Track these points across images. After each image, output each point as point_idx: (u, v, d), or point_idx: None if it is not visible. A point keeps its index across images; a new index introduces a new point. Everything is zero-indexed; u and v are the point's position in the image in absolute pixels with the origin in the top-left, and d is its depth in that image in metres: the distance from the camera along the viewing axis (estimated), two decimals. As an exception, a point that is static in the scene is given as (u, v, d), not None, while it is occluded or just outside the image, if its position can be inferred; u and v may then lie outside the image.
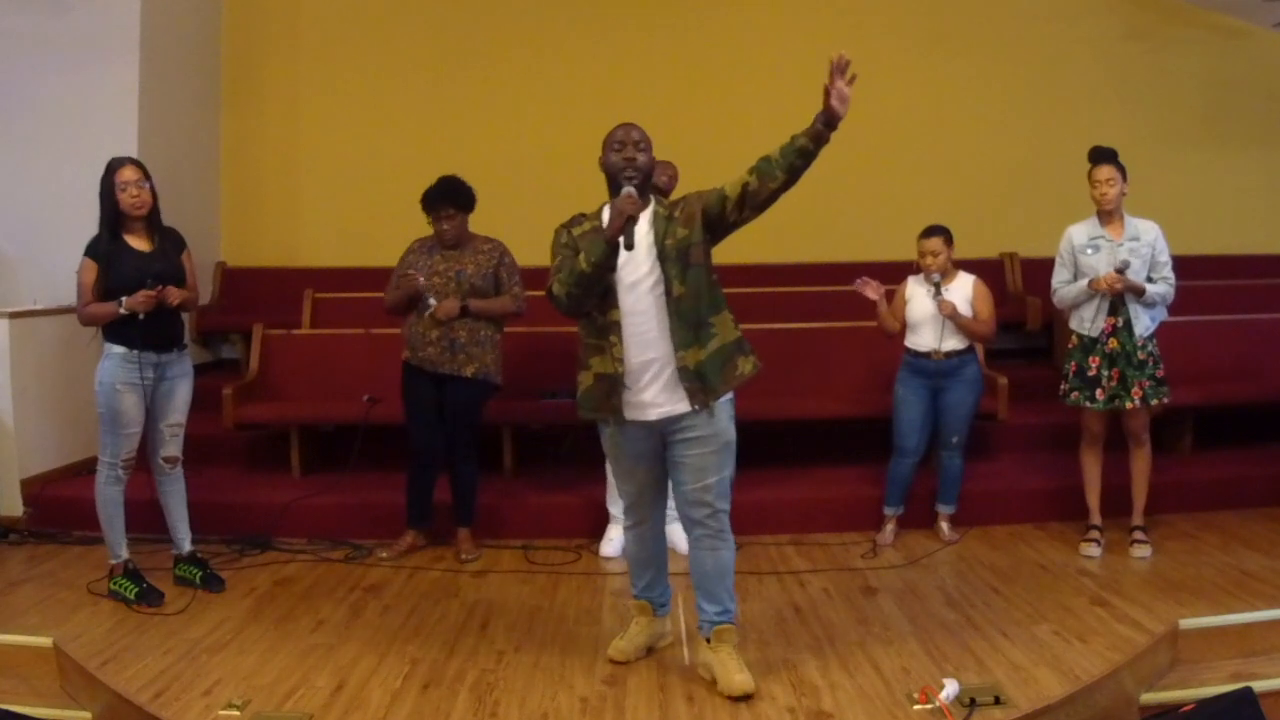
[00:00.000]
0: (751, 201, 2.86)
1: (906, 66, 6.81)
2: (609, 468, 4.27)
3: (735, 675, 2.94)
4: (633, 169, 2.92)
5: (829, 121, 2.73)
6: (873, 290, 4.31)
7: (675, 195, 3.60)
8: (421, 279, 4.13)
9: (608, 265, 2.86)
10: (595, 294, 2.92)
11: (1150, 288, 3.97)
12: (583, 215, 3.07)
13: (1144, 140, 6.21)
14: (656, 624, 3.25)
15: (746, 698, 2.90)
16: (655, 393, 2.94)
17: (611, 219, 2.85)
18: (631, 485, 3.14)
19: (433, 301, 4.10)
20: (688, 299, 2.91)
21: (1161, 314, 4.12)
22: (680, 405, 2.94)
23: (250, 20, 6.92)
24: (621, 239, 2.80)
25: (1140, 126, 6.57)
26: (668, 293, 2.90)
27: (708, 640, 3.06)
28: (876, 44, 6.64)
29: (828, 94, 2.71)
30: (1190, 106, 6.93)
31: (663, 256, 2.90)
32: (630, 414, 2.97)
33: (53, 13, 5.57)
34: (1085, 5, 6.97)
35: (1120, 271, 3.92)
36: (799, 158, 2.78)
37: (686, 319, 2.91)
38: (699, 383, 2.92)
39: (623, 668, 3.15)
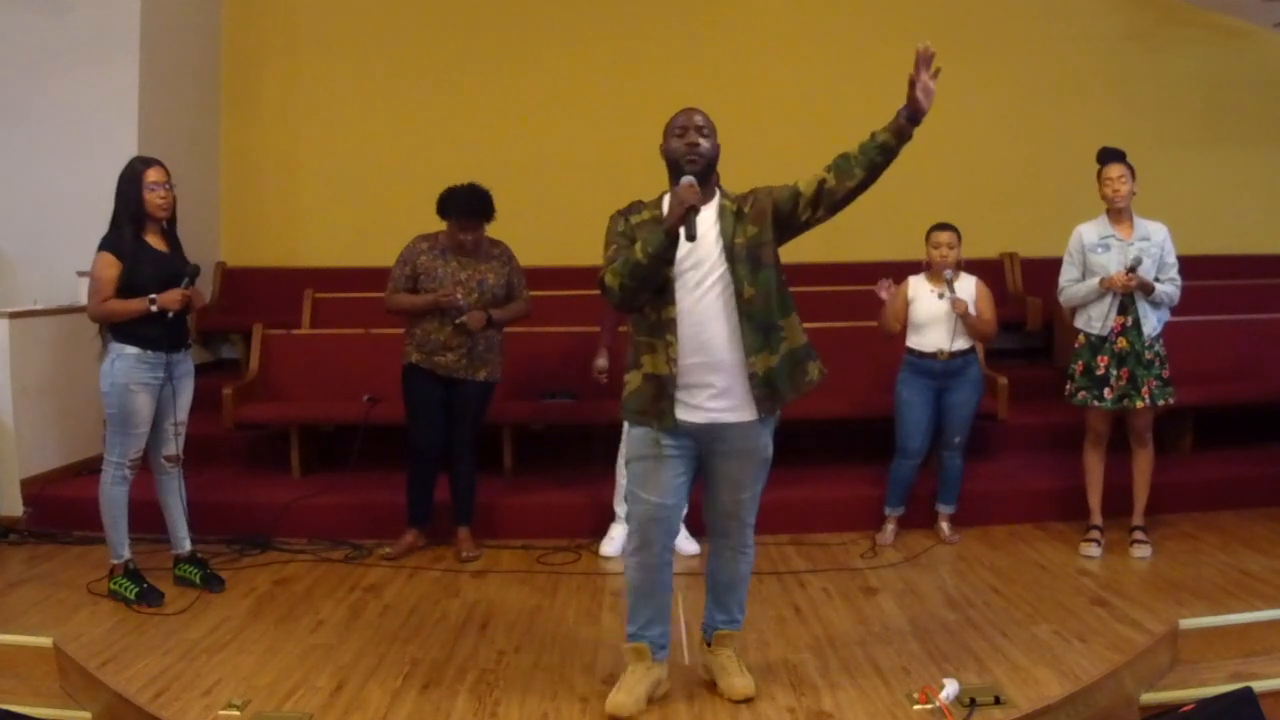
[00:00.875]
0: (828, 200, 2.71)
1: (906, 67, 6.80)
2: (620, 470, 4.28)
3: (736, 679, 2.92)
4: (695, 154, 2.74)
5: (913, 116, 2.62)
6: (886, 292, 4.31)
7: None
8: (461, 297, 4.08)
9: (665, 257, 2.67)
10: (651, 288, 2.72)
11: (1159, 287, 3.97)
12: (640, 202, 2.90)
13: (1144, 140, 6.19)
14: (655, 669, 2.94)
15: (747, 701, 2.89)
16: (707, 396, 2.76)
17: (672, 208, 2.66)
18: (654, 496, 2.83)
19: (462, 320, 4.07)
20: (759, 301, 2.74)
21: (1166, 314, 4.12)
22: (730, 415, 2.77)
23: (250, 21, 6.92)
24: (682, 229, 2.61)
25: (1140, 126, 6.57)
26: (738, 294, 2.73)
27: (708, 643, 3.04)
28: (876, 44, 6.64)
29: (913, 86, 2.60)
30: (1190, 106, 6.93)
31: (732, 256, 2.73)
32: (680, 413, 2.77)
33: (53, 13, 5.58)
34: (1085, 5, 6.98)
35: (1132, 270, 3.92)
36: (880, 154, 2.65)
37: (757, 322, 2.75)
38: (768, 389, 2.77)
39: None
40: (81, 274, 3.72)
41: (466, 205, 4.08)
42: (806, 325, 5.18)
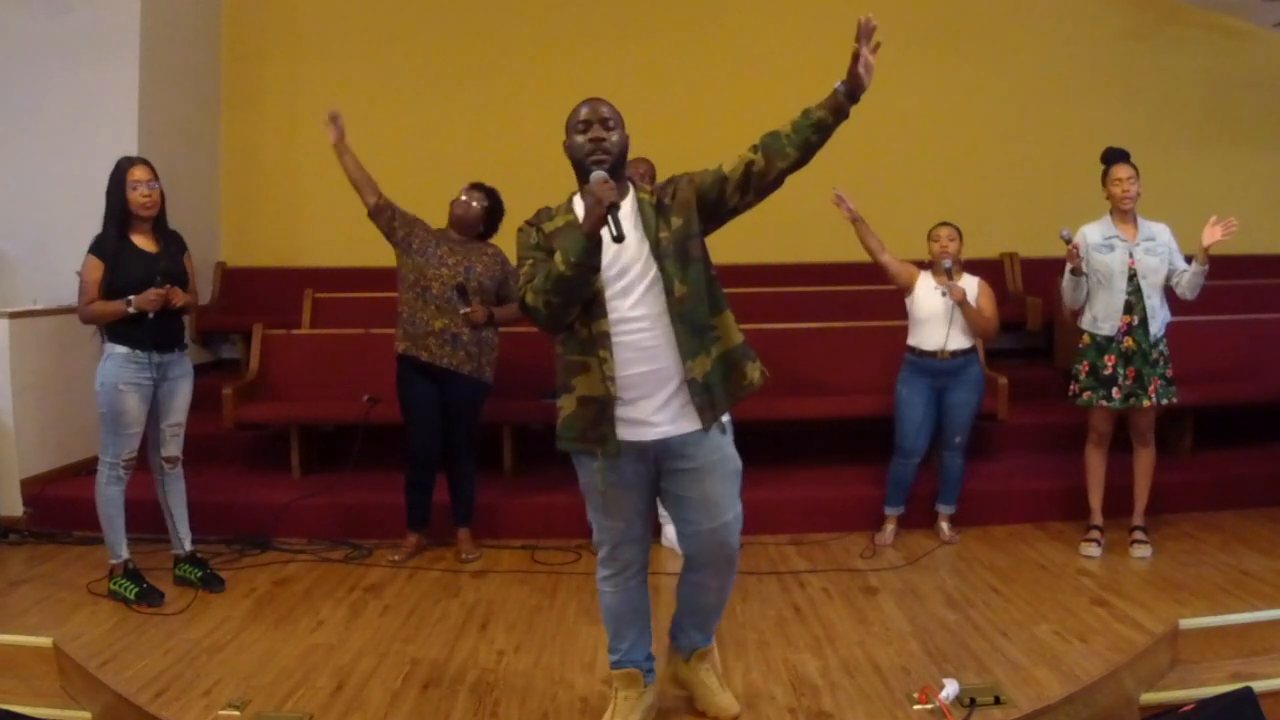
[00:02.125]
0: (757, 183, 2.48)
1: (906, 67, 6.80)
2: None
3: (718, 697, 2.82)
4: (601, 151, 2.51)
5: (852, 93, 2.41)
6: (844, 208, 4.18)
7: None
8: (469, 288, 4.09)
9: (591, 265, 2.39)
10: (579, 301, 2.46)
11: (1188, 275, 3.97)
12: (548, 209, 2.64)
13: (1144, 140, 6.19)
14: (647, 695, 2.77)
15: (735, 719, 2.81)
16: (654, 409, 2.51)
17: (588, 208, 2.37)
18: (617, 522, 2.63)
19: (466, 310, 4.07)
20: (690, 299, 2.50)
21: (1169, 314, 4.13)
22: (683, 425, 2.52)
23: (250, 20, 6.92)
24: (606, 231, 2.34)
25: (1140, 126, 6.57)
26: (668, 293, 2.48)
27: (685, 660, 2.88)
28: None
29: (855, 60, 2.40)
30: (1190, 106, 6.94)
31: (659, 252, 2.48)
32: (623, 433, 2.52)
33: (53, 13, 5.58)
34: (1085, 5, 6.98)
35: (1066, 240, 3.97)
36: (815, 132, 2.43)
37: (689, 322, 2.49)
38: (707, 396, 2.51)
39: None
40: (79, 274, 3.73)
41: (475, 183, 4.33)
42: (807, 325, 5.17)
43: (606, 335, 2.48)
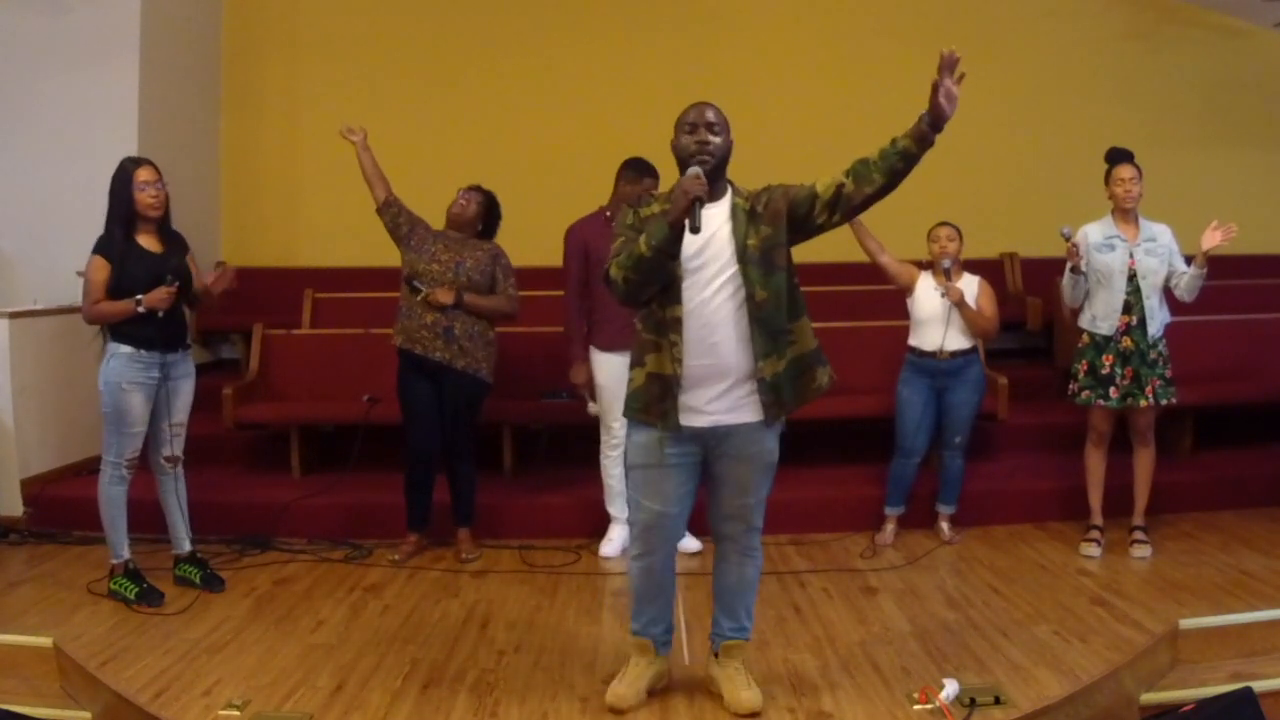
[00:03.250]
0: (844, 205, 2.65)
1: (906, 67, 6.78)
2: (606, 472, 4.29)
3: (743, 692, 2.84)
4: (705, 153, 2.65)
5: (935, 123, 2.55)
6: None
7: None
8: (423, 279, 4.14)
9: (670, 251, 2.57)
10: (656, 283, 2.63)
11: (1187, 277, 3.98)
12: (653, 196, 2.84)
13: (1144, 140, 6.18)
14: (658, 663, 2.96)
15: (754, 716, 2.81)
16: (710, 399, 2.68)
17: (675, 199, 2.55)
18: (655, 503, 2.78)
19: (423, 287, 4.09)
20: (769, 304, 2.65)
21: (1168, 314, 4.13)
22: (735, 417, 2.69)
23: (250, 20, 6.91)
24: (687, 222, 2.52)
25: (1140, 126, 6.57)
26: (750, 298, 2.64)
27: (716, 654, 2.96)
28: (875, 45, 6.66)
29: (935, 91, 2.51)
30: (1190, 106, 6.93)
31: (743, 257, 2.64)
32: (683, 418, 2.69)
33: (53, 13, 5.57)
34: (1085, 5, 6.98)
35: (1066, 238, 3.98)
36: (900, 160, 2.59)
37: (766, 326, 2.66)
38: (774, 395, 2.68)
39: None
40: (81, 274, 3.73)
41: (471, 186, 4.36)
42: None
43: (679, 321, 2.65)
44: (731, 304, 2.65)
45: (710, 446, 2.75)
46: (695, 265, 2.65)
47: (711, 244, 2.65)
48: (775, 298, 2.68)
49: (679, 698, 2.95)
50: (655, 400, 2.70)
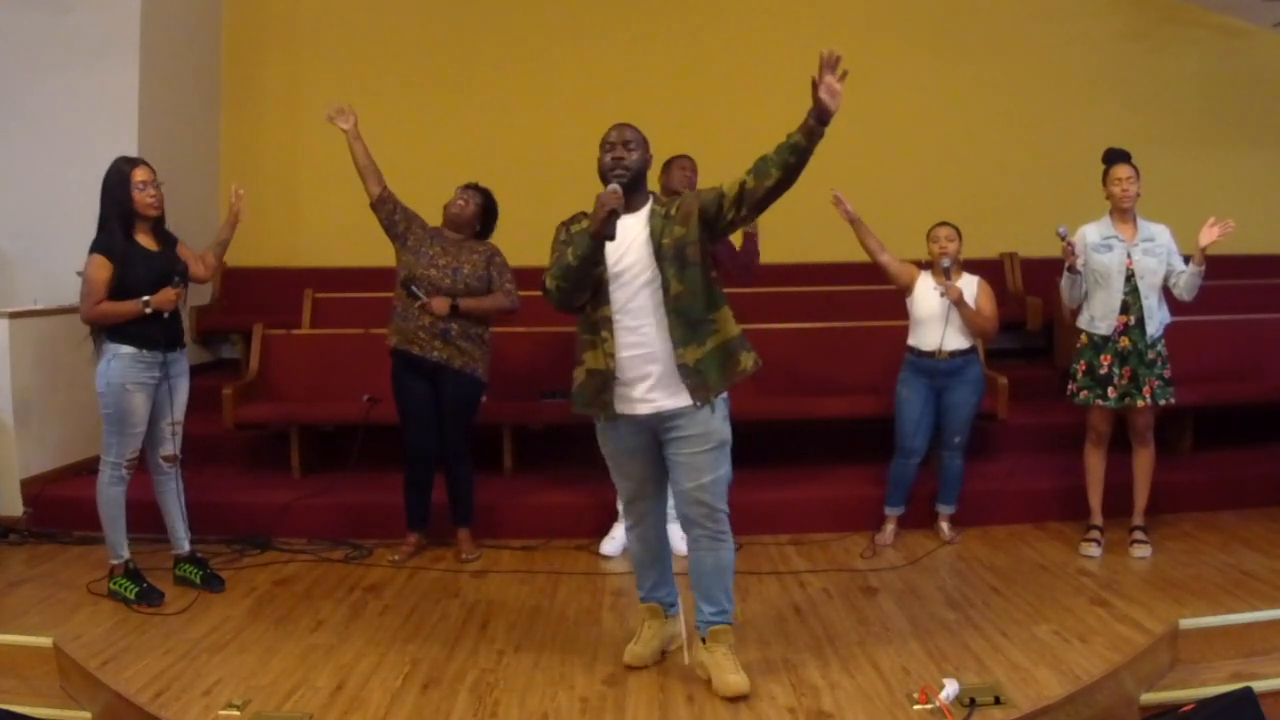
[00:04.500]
0: (749, 200, 2.86)
1: (906, 67, 6.82)
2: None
3: (729, 676, 2.94)
4: (621, 168, 2.93)
5: (820, 117, 2.72)
6: (844, 210, 4.22)
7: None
8: (419, 283, 4.13)
9: (593, 260, 2.88)
10: (585, 288, 2.93)
11: (1185, 275, 3.98)
12: (583, 213, 3.07)
13: (1143, 140, 6.20)
14: (668, 625, 3.22)
15: (741, 699, 2.89)
16: (646, 389, 2.93)
17: (595, 213, 2.85)
18: (628, 481, 3.12)
19: (420, 293, 4.08)
20: (685, 296, 2.91)
21: (1168, 314, 4.13)
22: (670, 401, 2.93)
23: (250, 20, 6.91)
24: (605, 233, 2.81)
25: (1140, 126, 6.57)
26: (665, 290, 2.90)
27: (704, 640, 3.06)
28: (876, 44, 6.65)
29: (816, 88, 2.70)
30: (1190, 106, 6.93)
31: (659, 255, 2.91)
32: (620, 408, 2.97)
33: (53, 13, 5.57)
34: (1085, 5, 6.98)
35: (1062, 238, 3.97)
36: (792, 154, 2.77)
37: (685, 316, 2.91)
38: (699, 379, 2.92)
39: (621, 668, 3.14)
40: (80, 274, 3.72)
41: (469, 184, 4.36)
42: (808, 324, 5.20)
43: (609, 319, 2.95)
44: (652, 299, 2.93)
45: (658, 432, 3.00)
46: (619, 269, 2.93)
47: (631, 248, 2.93)
48: (690, 290, 2.93)
49: (679, 698, 2.95)
50: (595, 394, 3.00)
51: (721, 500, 3.01)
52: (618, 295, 2.93)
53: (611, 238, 2.83)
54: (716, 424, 2.98)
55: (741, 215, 2.92)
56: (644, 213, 2.98)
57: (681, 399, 2.93)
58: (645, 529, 3.19)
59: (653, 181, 4.15)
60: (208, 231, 6.58)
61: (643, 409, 2.95)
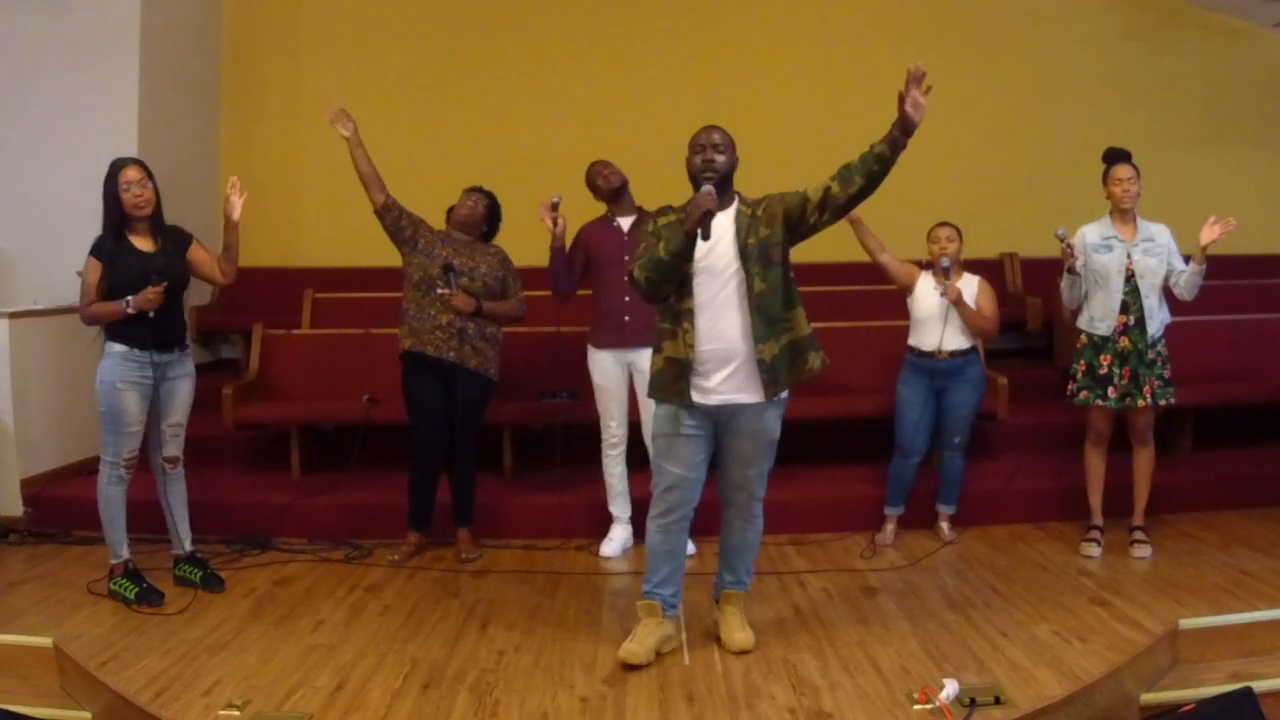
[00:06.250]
0: (832, 205, 3.01)
1: (906, 67, 6.81)
2: (606, 471, 4.31)
3: (736, 633, 3.26)
4: (711, 170, 3.06)
5: (905, 128, 2.89)
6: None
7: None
8: (455, 263, 4.14)
9: (685, 255, 3.01)
10: (672, 281, 3.06)
11: (1186, 274, 3.98)
12: (670, 207, 3.21)
13: (1143, 140, 6.20)
14: (665, 625, 3.26)
15: (744, 654, 3.21)
16: (720, 380, 3.07)
17: (690, 212, 2.98)
18: (677, 467, 3.17)
19: (445, 290, 4.08)
20: (767, 295, 3.05)
21: (1168, 315, 4.13)
22: (742, 396, 3.08)
23: (250, 20, 6.91)
24: (699, 230, 2.95)
25: (1140, 126, 6.57)
26: (749, 288, 3.04)
27: (717, 601, 3.37)
28: (875, 44, 6.65)
29: (902, 102, 2.86)
30: (1190, 106, 6.93)
31: (744, 254, 3.05)
32: (695, 397, 3.09)
33: (53, 13, 5.57)
34: (1085, 5, 6.98)
35: (1061, 239, 3.99)
36: (877, 164, 2.94)
37: (764, 314, 3.05)
38: (772, 374, 3.06)
39: (621, 668, 3.14)
40: (80, 274, 3.73)
41: (474, 187, 4.37)
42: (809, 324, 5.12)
43: (691, 312, 3.08)
44: (735, 295, 3.06)
45: (720, 423, 3.15)
46: (705, 265, 3.06)
47: (718, 245, 3.05)
48: (772, 289, 3.07)
49: (679, 698, 2.95)
50: (672, 381, 3.12)
51: (761, 489, 3.26)
52: (702, 289, 3.06)
53: (707, 237, 2.97)
54: (775, 420, 3.18)
55: (824, 219, 3.06)
56: (731, 212, 3.11)
57: (753, 394, 3.08)
58: (672, 522, 3.24)
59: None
60: (207, 231, 6.60)
61: (714, 400, 3.09)
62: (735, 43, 6.92)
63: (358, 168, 4.15)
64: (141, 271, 3.67)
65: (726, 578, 3.37)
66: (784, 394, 3.16)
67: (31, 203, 5.50)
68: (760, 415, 3.13)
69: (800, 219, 3.07)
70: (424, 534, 4.33)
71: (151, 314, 3.67)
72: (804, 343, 3.15)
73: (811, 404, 4.97)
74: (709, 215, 2.96)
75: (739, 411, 3.11)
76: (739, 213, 3.11)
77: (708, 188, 3.01)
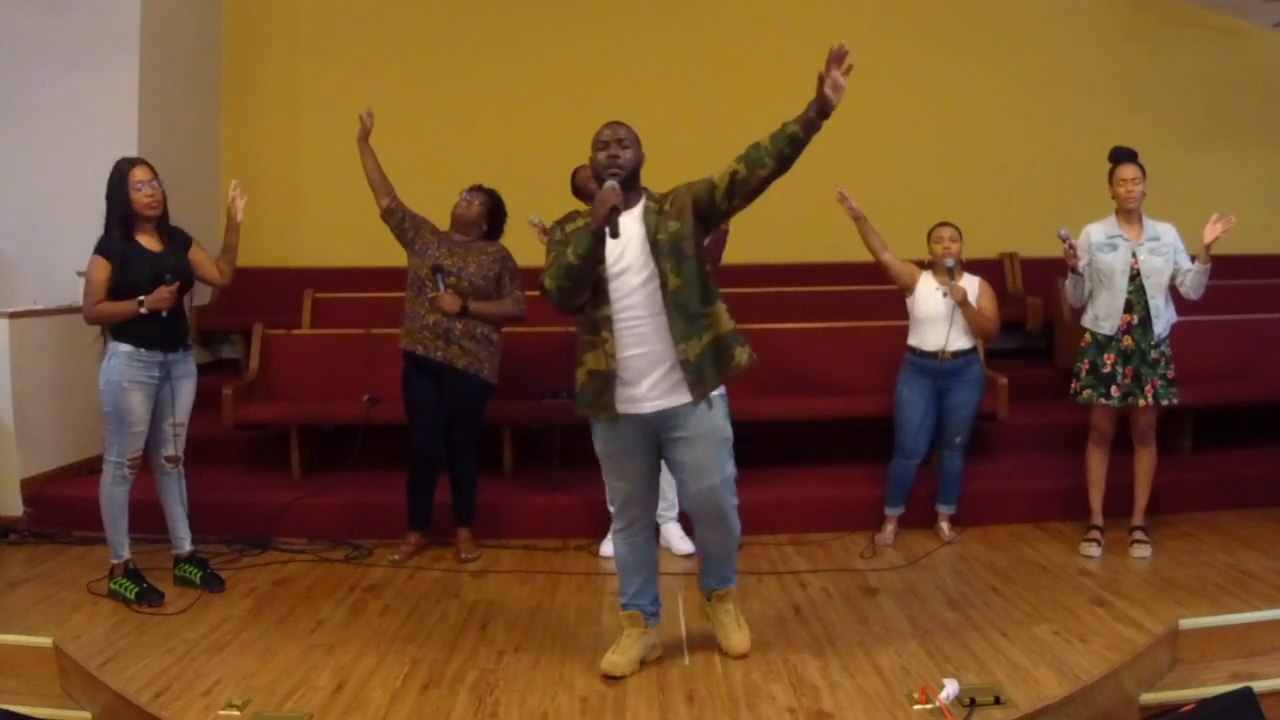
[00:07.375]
0: (741, 189, 2.86)
1: (906, 67, 6.81)
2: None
3: (733, 635, 3.22)
4: (616, 166, 2.94)
5: (821, 110, 2.73)
6: (849, 208, 4.22)
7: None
8: (445, 264, 4.15)
9: (594, 257, 2.87)
10: (585, 287, 2.92)
11: (1191, 274, 3.99)
12: (576, 212, 3.10)
13: (1144, 140, 6.17)
14: (648, 635, 3.20)
15: (743, 657, 3.16)
16: (648, 387, 2.94)
17: (594, 211, 2.85)
18: (624, 482, 3.10)
19: (440, 288, 4.09)
20: (684, 291, 2.91)
21: (1174, 315, 4.13)
22: (674, 399, 2.94)
23: (250, 20, 6.92)
24: (607, 229, 2.80)
25: (1140, 126, 6.56)
26: (663, 286, 2.90)
27: (708, 599, 3.31)
28: (876, 44, 6.64)
29: (821, 82, 2.70)
30: (1190, 106, 6.94)
31: (656, 251, 2.91)
32: (623, 408, 2.96)
33: (53, 13, 5.58)
34: (1085, 5, 6.98)
35: (1064, 240, 3.98)
36: (789, 145, 2.78)
37: (683, 311, 2.91)
38: (697, 374, 2.92)
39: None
40: (81, 274, 3.73)
41: (475, 185, 4.37)
42: (808, 324, 5.20)
43: (609, 319, 2.93)
44: (652, 296, 2.91)
45: (661, 430, 3.00)
46: (617, 268, 2.92)
47: (629, 246, 2.92)
48: (688, 285, 2.92)
49: (679, 698, 2.95)
50: (596, 395, 2.99)
51: (731, 498, 3.10)
52: (617, 294, 2.92)
53: (615, 235, 2.82)
54: (718, 421, 3.00)
55: (735, 204, 2.91)
56: (638, 210, 2.98)
57: (683, 396, 2.93)
58: (634, 533, 3.18)
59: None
60: (207, 232, 6.59)
61: (646, 408, 2.95)
62: (737, 42, 6.92)
63: (366, 173, 4.23)
64: (152, 271, 3.67)
65: (710, 580, 3.29)
66: (722, 390, 3.01)
67: (31, 203, 5.51)
68: (700, 415, 2.95)
69: (710, 207, 2.92)
70: (424, 534, 4.33)
71: (163, 314, 3.68)
72: (728, 338, 2.99)
73: (812, 404, 4.98)
74: (615, 212, 2.79)
75: (677, 415, 2.95)
76: (646, 209, 2.97)
77: (611, 184, 2.86)
